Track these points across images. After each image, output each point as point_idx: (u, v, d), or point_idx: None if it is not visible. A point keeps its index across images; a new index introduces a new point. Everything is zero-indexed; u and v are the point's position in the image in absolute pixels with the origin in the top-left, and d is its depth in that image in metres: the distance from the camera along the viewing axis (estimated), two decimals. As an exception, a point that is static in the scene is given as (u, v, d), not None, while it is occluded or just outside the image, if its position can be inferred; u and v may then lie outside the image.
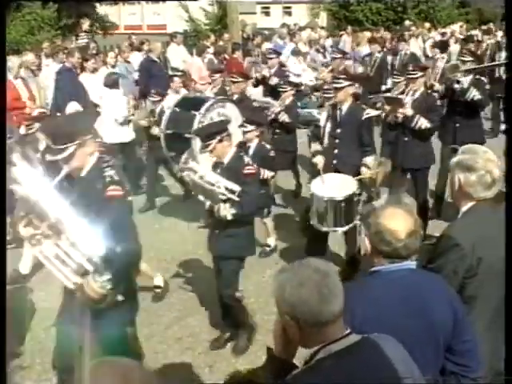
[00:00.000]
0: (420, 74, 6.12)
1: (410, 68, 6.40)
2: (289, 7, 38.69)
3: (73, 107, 7.98)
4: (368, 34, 13.57)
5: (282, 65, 9.97)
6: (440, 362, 2.18)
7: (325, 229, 5.01)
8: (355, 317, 2.00)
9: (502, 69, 9.82)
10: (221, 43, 12.46)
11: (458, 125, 6.48)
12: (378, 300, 2.09)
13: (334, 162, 5.49)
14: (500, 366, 2.54)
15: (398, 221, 2.13)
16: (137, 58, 10.60)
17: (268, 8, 39.71)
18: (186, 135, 5.88)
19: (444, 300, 2.15)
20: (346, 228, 4.98)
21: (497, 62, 9.87)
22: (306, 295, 1.69)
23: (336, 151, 5.55)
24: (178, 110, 6.35)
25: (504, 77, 9.69)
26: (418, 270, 2.22)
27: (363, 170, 5.36)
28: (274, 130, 7.32)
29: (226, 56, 11.45)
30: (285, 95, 7.34)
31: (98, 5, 19.56)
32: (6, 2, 6.61)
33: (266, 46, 12.32)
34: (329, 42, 14.00)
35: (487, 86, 6.95)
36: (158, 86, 9.41)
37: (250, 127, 5.65)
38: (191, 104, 6.36)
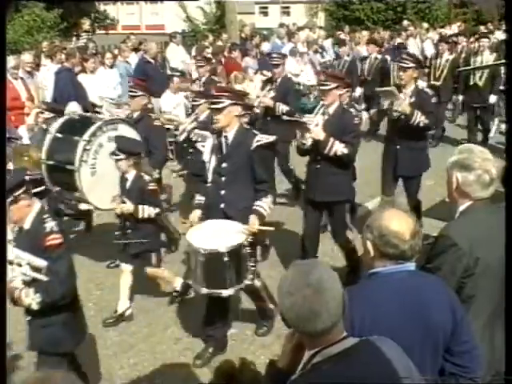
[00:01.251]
0: (334, 85, 4.80)
1: (322, 78, 5.12)
2: (287, 7, 38.71)
3: (72, 107, 7.98)
4: (366, 34, 13.57)
5: (212, 73, 8.77)
6: (439, 363, 2.18)
7: (205, 291, 3.95)
8: (355, 320, 2.00)
9: (478, 75, 9.27)
10: (219, 43, 12.46)
11: (398, 147, 5.68)
12: (377, 302, 2.09)
13: (222, 205, 4.22)
14: (498, 365, 2.55)
15: (401, 222, 2.12)
16: (134, 59, 10.59)
17: (266, 8, 39.75)
18: (68, 167, 4.98)
19: (443, 301, 2.15)
20: (232, 290, 3.96)
21: (495, 62, 9.62)
22: (293, 305, 1.70)
23: (222, 192, 4.24)
24: (60, 135, 5.19)
25: (481, 83, 9.24)
26: (416, 271, 2.22)
27: (252, 219, 4.03)
28: (187, 151, 6.27)
29: (225, 55, 11.44)
30: (199, 109, 6.12)
31: (96, 4, 19.57)
32: (6, 2, 6.58)
33: (265, 46, 12.32)
34: (327, 42, 13.99)
35: (434, 99, 6.04)
36: (154, 87, 9.41)
37: (121, 155, 4.69)
38: (76, 127, 5.25)
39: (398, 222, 2.12)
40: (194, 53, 11.48)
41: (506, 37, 4.76)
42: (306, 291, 1.69)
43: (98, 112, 8.85)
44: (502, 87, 9.44)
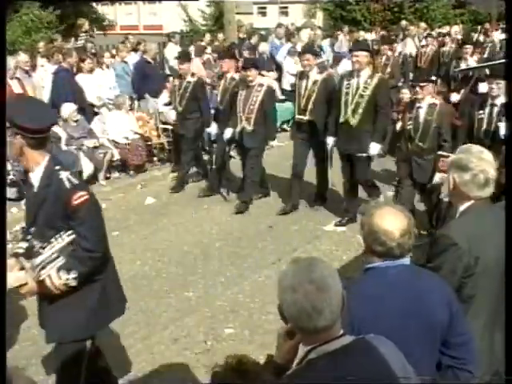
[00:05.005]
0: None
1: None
2: (285, 7, 38.76)
3: (68, 108, 7.97)
4: (363, 34, 13.57)
5: None
6: (436, 356, 2.20)
7: None
8: (354, 316, 2.00)
9: (351, 107, 6.02)
10: (216, 43, 12.46)
11: None
12: (376, 297, 2.10)
13: None
14: (498, 365, 2.55)
15: (392, 220, 2.13)
16: (132, 59, 10.59)
17: (265, 8, 39.80)
18: None
19: (440, 295, 2.17)
20: None
21: (494, 62, 9.29)
22: (295, 302, 1.69)
23: None
24: None
25: (355, 121, 5.96)
26: (412, 266, 2.24)
27: None
28: None
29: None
30: None
31: (94, 5, 19.51)
32: (6, 2, 6.53)
33: (263, 45, 12.31)
34: (326, 42, 14.00)
35: None
36: (152, 87, 9.42)
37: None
38: None
39: (389, 220, 2.13)
40: (193, 53, 11.46)
41: (506, 37, 4.75)
42: (309, 287, 1.68)
43: (96, 113, 8.88)
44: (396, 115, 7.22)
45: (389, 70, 9.33)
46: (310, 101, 6.59)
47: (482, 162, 2.55)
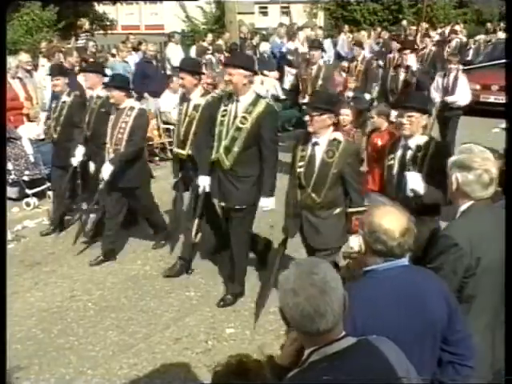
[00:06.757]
0: None
1: None
2: (287, 7, 38.75)
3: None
4: (365, 34, 13.57)
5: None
6: (437, 353, 2.21)
7: None
8: (356, 318, 2.00)
9: (222, 144, 4.44)
10: (219, 42, 12.47)
11: None
12: (376, 299, 2.09)
13: None
14: (499, 365, 2.55)
15: (392, 220, 2.14)
16: (133, 59, 10.60)
17: (266, 8, 39.81)
18: None
19: (438, 293, 2.17)
20: None
21: (495, 62, 9.15)
22: (297, 305, 1.68)
23: None
24: None
25: (228, 163, 4.24)
26: (410, 266, 2.24)
27: None
28: None
29: (225, 54, 11.44)
30: None
31: (95, 4, 19.50)
32: (7, 2, 6.52)
33: (264, 45, 12.33)
34: (327, 42, 14.00)
35: None
36: (153, 87, 9.43)
37: None
38: None
39: (390, 220, 2.13)
40: (195, 53, 11.46)
41: (506, 36, 4.69)
42: (311, 291, 1.67)
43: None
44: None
45: (320, 82, 7.45)
46: (190, 130, 5.07)
47: (486, 161, 2.54)
